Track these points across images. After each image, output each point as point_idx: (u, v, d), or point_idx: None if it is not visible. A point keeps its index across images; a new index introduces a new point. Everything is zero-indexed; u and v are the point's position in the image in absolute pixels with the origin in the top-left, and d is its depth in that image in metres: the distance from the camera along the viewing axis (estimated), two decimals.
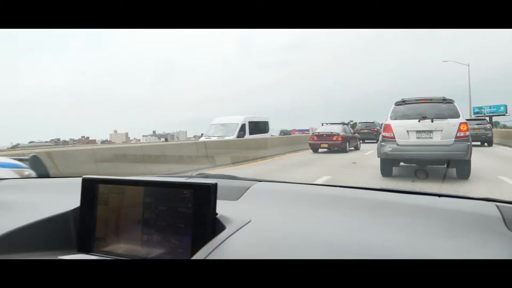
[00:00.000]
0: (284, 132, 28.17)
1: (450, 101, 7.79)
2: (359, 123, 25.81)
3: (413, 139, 7.41)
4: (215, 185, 0.71)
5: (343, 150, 15.20)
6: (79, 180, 0.84)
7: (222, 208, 0.73)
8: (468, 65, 30.88)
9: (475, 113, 29.54)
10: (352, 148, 17.08)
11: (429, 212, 0.76)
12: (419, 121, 7.38)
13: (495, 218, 0.69)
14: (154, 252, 0.74)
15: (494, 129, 21.27)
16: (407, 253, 0.59)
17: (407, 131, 7.43)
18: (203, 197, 0.71)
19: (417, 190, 0.99)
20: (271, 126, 20.72)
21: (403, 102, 7.96)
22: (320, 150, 15.37)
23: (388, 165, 7.93)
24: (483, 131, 17.42)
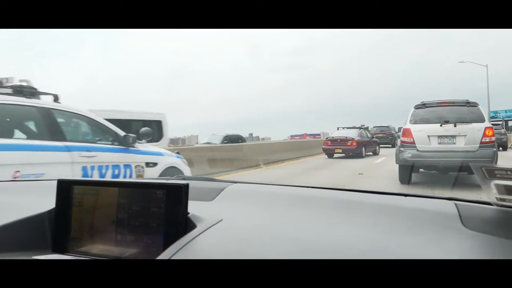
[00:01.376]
0: (230, 139, 18.62)
1: (474, 104, 7.46)
2: (374, 127, 25.06)
3: (434, 144, 7.07)
4: (187, 185, 0.74)
5: (358, 155, 14.74)
6: (54, 182, 0.86)
7: (196, 208, 0.76)
8: (487, 66, 29.36)
9: (491, 117, 28.87)
10: (370, 153, 16.52)
11: (393, 211, 0.80)
12: (441, 125, 7.07)
13: (453, 216, 0.73)
14: (127, 251, 0.77)
15: (509, 134, 21.43)
16: (370, 249, 0.62)
17: (428, 136, 7.08)
18: (175, 197, 0.74)
19: (385, 191, 1.05)
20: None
21: (423, 106, 7.56)
22: (335, 155, 15.01)
23: (407, 171, 7.64)
24: (498, 136, 18.51)
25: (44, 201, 0.90)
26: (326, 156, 15.81)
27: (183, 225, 0.71)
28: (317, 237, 0.69)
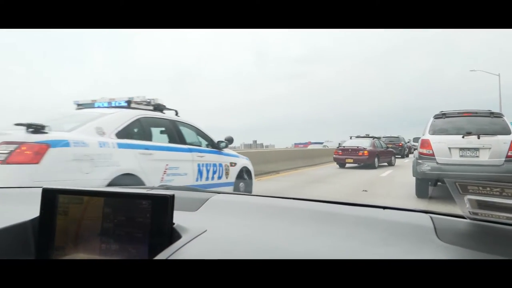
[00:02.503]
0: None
1: (498, 115, 7.14)
2: (383, 137, 24.54)
3: (455, 157, 6.68)
4: (172, 196, 0.74)
5: (371, 166, 14.52)
6: (38, 190, 0.87)
7: (181, 218, 0.77)
8: (499, 75, 28.69)
9: None
10: (385, 163, 16.34)
11: (370, 223, 0.82)
12: (463, 137, 6.65)
13: (428, 228, 0.74)
14: None
15: None
16: (346, 258, 0.65)
17: (449, 148, 6.66)
18: (160, 207, 0.74)
19: (364, 203, 1.09)
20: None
21: (443, 115, 7.19)
22: (347, 165, 14.83)
23: (425, 185, 7.18)
24: None
25: (27, 209, 0.89)
26: (332, 166, 15.71)
27: (168, 235, 0.73)
28: (295, 246, 0.72)
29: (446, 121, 7.29)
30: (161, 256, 0.65)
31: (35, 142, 2.94)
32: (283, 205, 1.06)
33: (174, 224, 0.76)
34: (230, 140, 5.17)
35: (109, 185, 3.32)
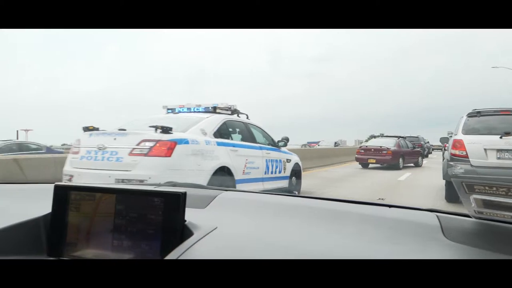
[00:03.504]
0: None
1: None
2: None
3: (492, 159, 6.18)
4: (184, 194, 0.78)
5: (395, 166, 14.16)
6: (51, 186, 0.88)
7: (190, 215, 0.80)
8: None
9: None
10: (411, 164, 15.66)
11: (377, 221, 0.86)
12: (500, 137, 6.22)
13: (434, 227, 0.79)
14: (123, 256, 0.80)
15: None
16: (355, 257, 0.67)
17: (485, 149, 6.21)
18: (172, 204, 0.77)
19: (370, 201, 1.09)
20: None
21: (478, 114, 6.78)
22: (370, 165, 14.45)
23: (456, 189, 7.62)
24: None
25: (39, 205, 0.91)
26: (346, 167, 15.15)
27: (180, 232, 0.75)
28: (305, 243, 0.75)
29: (480, 120, 6.68)
30: (175, 253, 0.68)
31: (167, 140, 3.82)
32: (291, 203, 1.08)
33: (185, 221, 0.79)
34: (287, 140, 6.07)
35: (213, 175, 4.24)
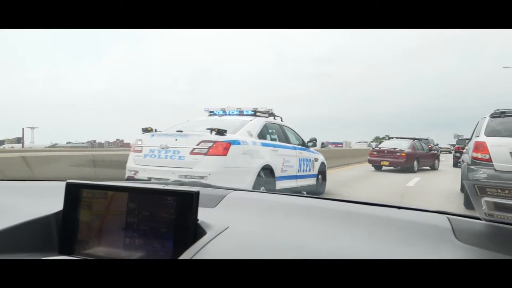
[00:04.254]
0: None
1: None
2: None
3: None
4: (198, 193, 0.78)
5: (409, 169, 13.70)
6: (62, 184, 0.87)
7: (200, 214, 0.80)
8: None
9: None
10: (427, 167, 15.10)
11: (388, 223, 0.86)
12: None
13: (446, 229, 0.79)
14: (135, 255, 0.80)
15: None
16: (367, 257, 0.69)
17: (511, 152, 5.62)
18: (185, 203, 0.77)
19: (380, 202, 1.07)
20: None
21: (502, 114, 6.24)
22: (384, 167, 14.06)
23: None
24: None
25: (51, 202, 0.92)
26: (353, 169, 14.44)
27: (193, 231, 0.77)
28: (318, 244, 0.77)
29: (505, 120, 6.14)
30: (189, 252, 0.68)
31: (223, 141, 4.34)
32: (300, 203, 1.09)
33: (198, 220, 0.79)
34: (315, 140, 6.60)
35: (260, 173, 4.65)
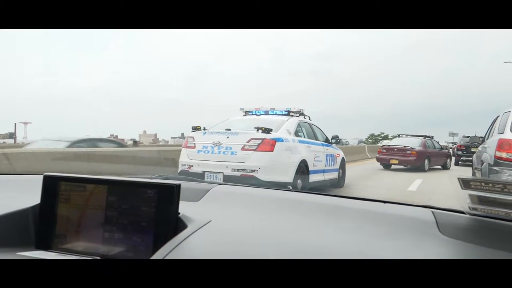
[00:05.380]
0: None
1: None
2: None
3: None
4: (179, 186, 0.77)
5: (419, 168, 13.18)
6: (40, 177, 0.86)
7: (183, 208, 0.79)
8: None
9: None
10: (438, 166, 14.21)
11: (374, 217, 0.90)
12: None
13: (430, 223, 0.83)
14: (115, 249, 0.78)
15: None
16: (353, 252, 0.70)
17: None
18: (166, 197, 0.77)
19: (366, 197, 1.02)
20: None
21: None
22: (393, 166, 13.59)
23: None
24: None
25: (29, 196, 0.89)
26: (349, 169, 12.51)
27: (174, 225, 0.76)
28: (304, 239, 0.76)
29: None
30: (168, 246, 0.67)
31: (270, 139, 4.96)
32: (286, 197, 1.10)
33: (179, 213, 0.78)
34: (337, 137, 7.37)
35: (298, 167, 5.13)
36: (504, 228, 0.78)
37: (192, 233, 0.72)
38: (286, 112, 6.51)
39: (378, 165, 14.09)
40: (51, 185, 0.83)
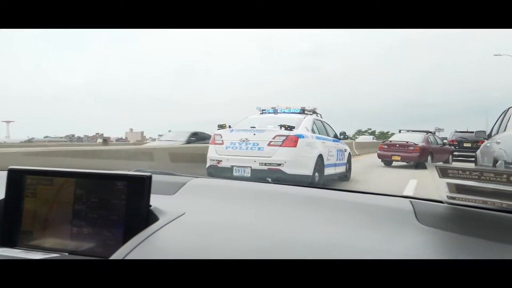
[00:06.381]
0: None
1: None
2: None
3: None
4: (150, 177, 0.76)
5: (422, 165, 12.65)
6: (4, 173, 0.85)
7: (158, 202, 0.79)
8: None
9: None
10: (441, 163, 13.50)
11: (352, 207, 0.92)
12: None
13: (408, 212, 0.86)
14: (84, 245, 0.77)
15: None
16: (328, 243, 0.71)
17: None
18: (137, 188, 0.76)
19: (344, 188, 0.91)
20: None
21: None
22: (394, 163, 13.55)
23: None
24: None
25: None
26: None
27: (145, 217, 0.76)
28: (279, 230, 0.78)
29: None
30: (137, 238, 0.66)
31: (293, 135, 5.47)
32: (264, 189, 1.13)
33: (151, 206, 0.77)
34: (345, 133, 8.03)
35: (316, 161, 5.47)
36: (480, 216, 0.79)
37: (164, 225, 0.70)
38: (301, 111, 7.21)
39: (366, 163, 13.05)
40: (16, 179, 0.79)
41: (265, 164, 5.86)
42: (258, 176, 5.46)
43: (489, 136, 5.96)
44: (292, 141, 6.06)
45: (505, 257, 0.60)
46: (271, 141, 6.11)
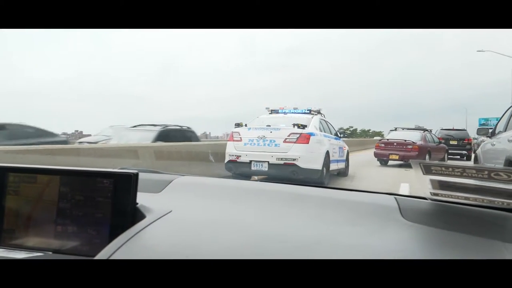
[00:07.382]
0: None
1: None
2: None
3: None
4: (136, 174, 0.78)
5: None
6: None
7: (144, 199, 0.81)
8: None
9: (480, 124, 26.65)
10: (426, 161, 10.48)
11: (337, 203, 0.97)
12: None
13: (393, 208, 0.90)
14: (68, 244, 0.78)
15: None
16: (313, 239, 0.75)
17: None
18: (123, 186, 0.78)
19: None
20: None
21: None
22: (390, 162, 13.55)
23: None
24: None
25: None
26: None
27: (131, 215, 0.78)
28: (265, 226, 0.82)
29: None
30: (124, 236, 0.68)
31: (306, 133, 6.22)
32: (251, 187, 1.20)
33: (137, 204, 0.78)
34: (344, 132, 7.37)
35: (324, 157, 5.78)
36: (462, 212, 0.79)
37: (150, 223, 0.69)
38: (308, 111, 7.94)
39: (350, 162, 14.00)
40: None
41: (282, 159, 6.82)
42: (275, 170, 6.05)
43: (493, 133, 5.55)
44: (305, 138, 6.98)
45: (486, 251, 0.62)
46: (286, 138, 7.01)
